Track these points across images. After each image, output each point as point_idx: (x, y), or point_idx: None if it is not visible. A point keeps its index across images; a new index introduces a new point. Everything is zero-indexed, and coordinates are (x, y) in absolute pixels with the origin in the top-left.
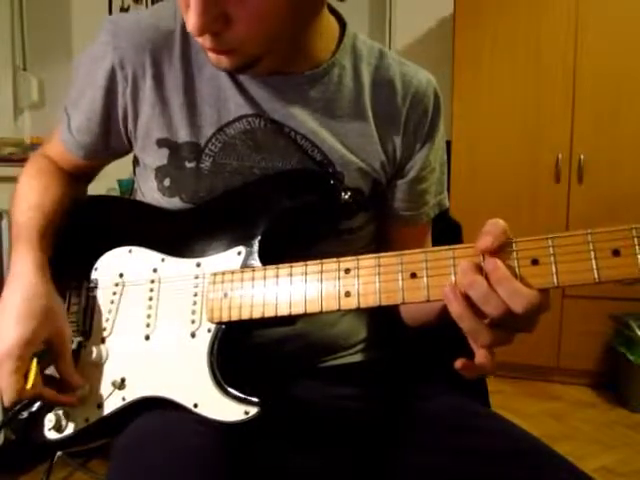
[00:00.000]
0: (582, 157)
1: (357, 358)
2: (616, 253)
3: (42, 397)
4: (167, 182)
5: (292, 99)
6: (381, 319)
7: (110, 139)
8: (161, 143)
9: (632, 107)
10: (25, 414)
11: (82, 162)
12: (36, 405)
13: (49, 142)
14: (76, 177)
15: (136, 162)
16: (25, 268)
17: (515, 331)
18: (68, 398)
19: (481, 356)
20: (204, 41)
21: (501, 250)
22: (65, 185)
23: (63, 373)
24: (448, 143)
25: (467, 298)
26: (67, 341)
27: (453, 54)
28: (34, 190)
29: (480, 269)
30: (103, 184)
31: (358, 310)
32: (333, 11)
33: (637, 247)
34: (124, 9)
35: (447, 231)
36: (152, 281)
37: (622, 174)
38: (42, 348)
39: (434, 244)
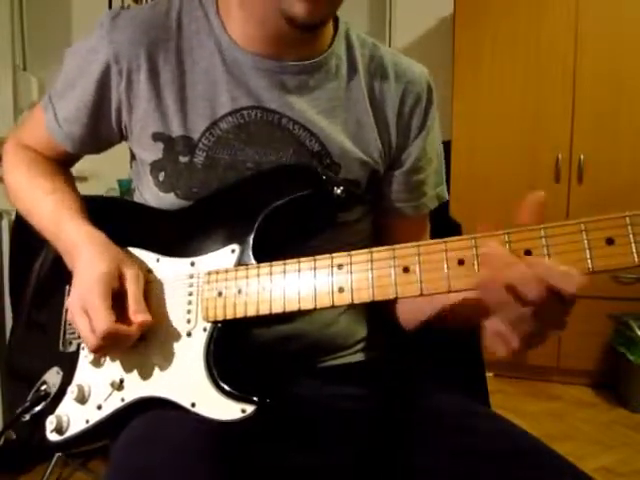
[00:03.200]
0: (582, 157)
1: (356, 358)
2: (610, 242)
3: (117, 331)
4: (162, 177)
5: (291, 88)
6: (380, 319)
7: (99, 132)
8: (156, 137)
9: (632, 107)
10: (27, 416)
11: (69, 152)
12: (38, 407)
13: (24, 130)
14: (62, 163)
15: (133, 158)
16: (83, 233)
17: (550, 323)
18: (133, 329)
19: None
20: None
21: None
22: (60, 169)
23: (130, 310)
24: (448, 143)
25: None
26: (139, 279)
27: (453, 54)
28: (41, 178)
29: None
30: (103, 184)
31: (356, 308)
32: None
33: (631, 235)
34: (124, 9)
35: (447, 231)
36: (147, 282)
37: (622, 174)
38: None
39: None
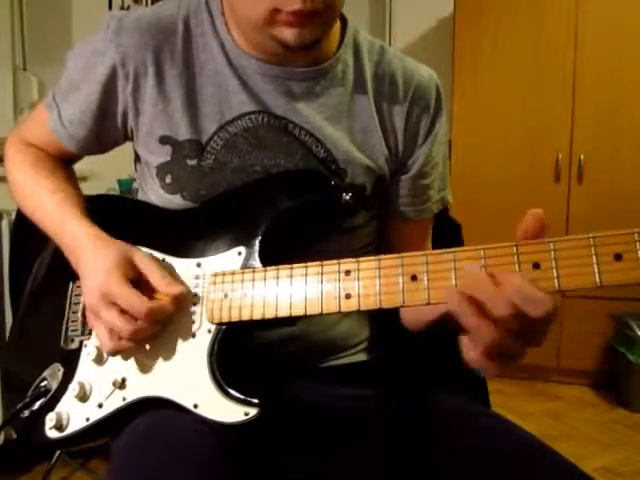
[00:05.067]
0: (582, 157)
1: (358, 359)
2: (618, 257)
3: (158, 307)
4: (169, 179)
5: (297, 94)
6: (381, 320)
7: (104, 134)
8: (163, 140)
9: (632, 107)
10: (26, 413)
11: (73, 152)
12: (37, 404)
13: (27, 128)
14: (64, 160)
15: (137, 160)
16: (87, 233)
17: (525, 343)
18: (168, 303)
19: (481, 360)
20: (303, 3)
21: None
22: (64, 168)
23: (160, 286)
24: (448, 143)
25: (472, 299)
26: (152, 260)
27: (453, 54)
28: (44, 177)
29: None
30: (103, 184)
31: (359, 311)
32: None
33: (639, 252)
34: (124, 9)
35: (447, 231)
36: None
37: (622, 174)
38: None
39: (434, 244)
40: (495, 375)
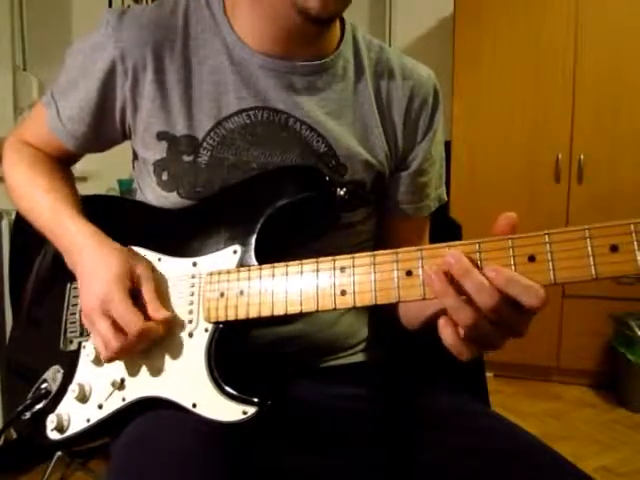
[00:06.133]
0: (582, 157)
1: (357, 358)
2: (614, 249)
3: (149, 329)
4: (165, 176)
5: (299, 89)
6: (381, 319)
7: (103, 131)
8: (160, 136)
9: (632, 107)
10: (28, 415)
11: (71, 151)
12: (38, 406)
13: (25, 127)
14: (63, 161)
15: (135, 157)
16: (84, 232)
17: (507, 331)
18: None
19: (455, 340)
20: None
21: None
22: (60, 168)
23: (148, 308)
24: (448, 143)
25: (449, 278)
26: (151, 276)
27: (453, 54)
28: (40, 177)
29: (475, 264)
30: (103, 184)
31: (357, 310)
32: None
33: (636, 243)
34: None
35: (447, 232)
36: None
37: (622, 174)
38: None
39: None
40: (466, 359)
